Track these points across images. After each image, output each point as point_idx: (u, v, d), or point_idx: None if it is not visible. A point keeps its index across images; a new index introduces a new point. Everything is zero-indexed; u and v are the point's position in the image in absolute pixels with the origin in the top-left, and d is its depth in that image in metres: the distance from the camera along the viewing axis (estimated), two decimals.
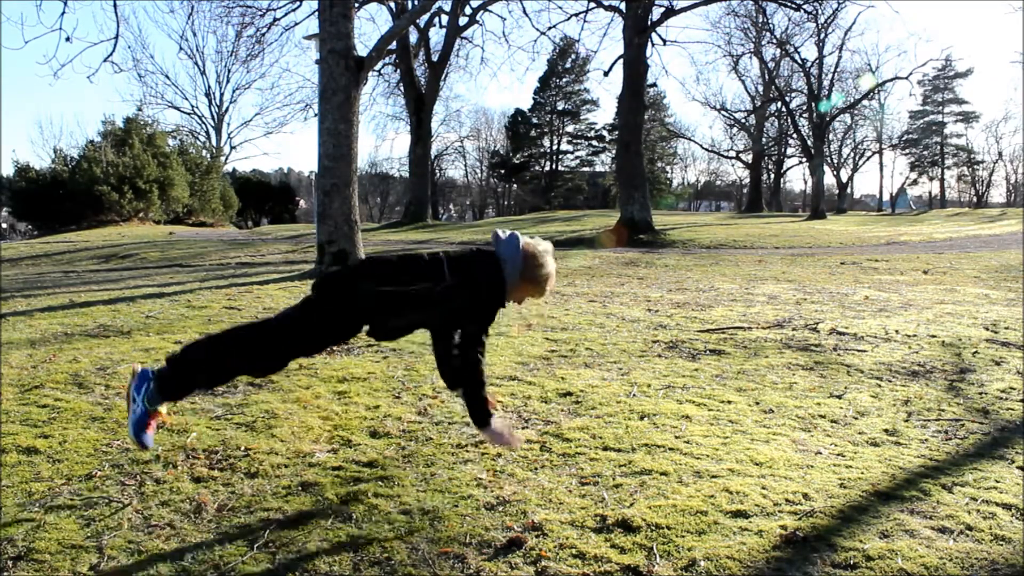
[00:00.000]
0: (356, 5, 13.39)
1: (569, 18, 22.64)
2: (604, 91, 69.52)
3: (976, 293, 8.37)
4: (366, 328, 2.89)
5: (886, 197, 51.57)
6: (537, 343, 5.54)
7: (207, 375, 2.86)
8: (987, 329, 6.02)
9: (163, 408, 2.84)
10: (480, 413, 2.89)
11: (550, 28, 24.47)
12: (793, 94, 37.33)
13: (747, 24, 32.38)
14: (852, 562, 2.36)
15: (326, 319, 2.82)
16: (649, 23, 19.04)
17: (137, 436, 2.75)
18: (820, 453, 3.33)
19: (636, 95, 19.00)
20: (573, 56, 49.99)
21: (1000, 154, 52.97)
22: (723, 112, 44.20)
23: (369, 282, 2.80)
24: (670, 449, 3.34)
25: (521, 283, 2.88)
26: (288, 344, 2.84)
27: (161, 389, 2.76)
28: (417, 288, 2.78)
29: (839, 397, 4.21)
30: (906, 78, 31.89)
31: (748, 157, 46.51)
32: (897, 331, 5.93)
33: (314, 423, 3.66)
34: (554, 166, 58.17)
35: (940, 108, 53.30)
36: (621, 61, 19.44)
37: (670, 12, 19.81)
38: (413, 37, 25.48)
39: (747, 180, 51.43)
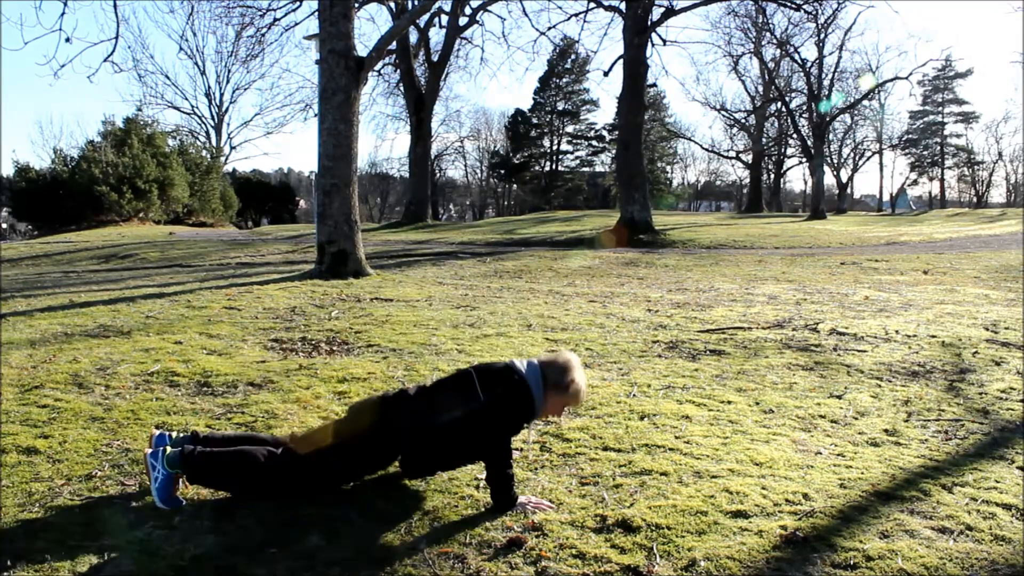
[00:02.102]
0: (356, 5, 13.39)
1: (569, 18, 22.65)
2: (604, 91, 69.62)
3: (976, 293, 8.37)
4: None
5: (886, 197, 51.57)
6: (537, 343, 5.54)
7: (225, 484, 2.89)
8: (987, 329, 6.02)
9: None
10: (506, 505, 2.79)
11: (550, 28, 24.53)
12: (793, 94, 37.36)
13: (747, 24, 32.39)
14: (852, 562, 2.36)
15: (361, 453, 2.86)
16: (649, 23, 19.03)
17: (166, 502, 2.73)
18: (820, 453, 3.33)
19: (636, 95, 18.99)
20: (573, 56, 50.01)
21: (1000, 154, 53.04)
22: (723, 112, 44.24)
23: (403, 414, 2.84)
24: (670, 449, 3.34)
25: (549, 395, 2.90)
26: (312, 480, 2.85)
27: (183, 461, 2.78)
28: (450, 417, 2.81)
29: (839, 397, 4.21)
30: (906, 78, 31.90)
31: (748, 157, 46.51)
32: (897, 331, 5.93)
33: (314, 423, 3.66)
34: (554, 166, 58.20)
35: (940, 108, 53.34)
36: (621, 61, 19.43)
37: (670, 12, 19.81)
38: (413, 37, 25.49)
39: (747, 180, 51.44)
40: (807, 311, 7.02)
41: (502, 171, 58.88)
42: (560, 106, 57.08)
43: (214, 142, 40.62)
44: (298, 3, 23.14)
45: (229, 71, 40.75)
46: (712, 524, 2.61)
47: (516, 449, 3.34)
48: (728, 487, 2.91)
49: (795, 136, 39.15)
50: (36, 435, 3.42)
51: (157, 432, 2.94)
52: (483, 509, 2.75)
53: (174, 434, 2.95)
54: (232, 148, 43.26)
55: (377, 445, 2.85)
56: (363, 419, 2.90)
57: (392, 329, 5.97)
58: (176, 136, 36.22)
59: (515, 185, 59.14)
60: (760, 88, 41.76)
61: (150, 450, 2.80)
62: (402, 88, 27.76)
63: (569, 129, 58.40)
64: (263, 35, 24.35)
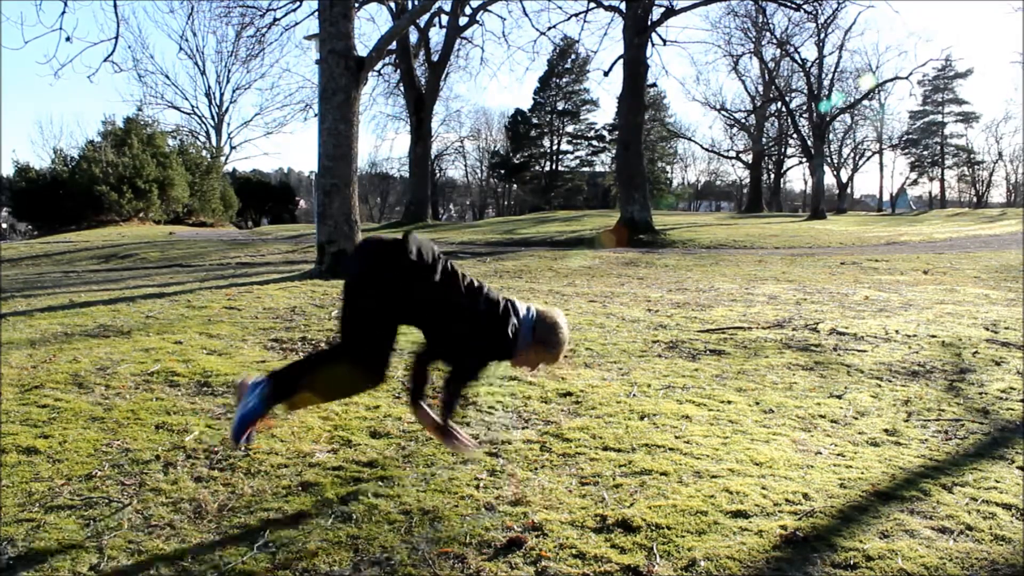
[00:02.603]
0: (356, 5, 13.38)
1: (569, 18, 22.70)
2: (604, 91, 69.70)
3: (976, 293, 8.37)
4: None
5: (886, 197, 51.61)
6: None
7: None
8: (987, 329, 6.02)
9: (277, 412, 2.88)
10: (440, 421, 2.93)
11: (550, 28, 24.57)
12: (793, 94, 37.38)
13: (747, 24, 32.43)
14: (852, 562, 2.36)
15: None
16: (649, 23, 19.04)
17: (236, 434, 2.76)
18: (820, 453, 3.33)
19: (636, 95, 19.00)
20: (573, 56, 50.06)
21: (1000, 154, 53.07)
22: (723, 112, 44.27)
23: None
24: (670, 449, 3.34)
25: (533, 346, 2.92)
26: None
27: (275, 390, 2.80)
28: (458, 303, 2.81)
29: (839, 397, 4.21)
30: (906, 78, 31.96)
31: (748, 157, 46.53)
32: (897, 331, 5.93)
33: (314, 423, 3.66)
34: (554, 166, 58.22)
35: (940, 108, 53.36)
36: (621, 61, 19.44)
37: (670, 12, 19.83)
38: (413, 37, 25.51)
39: (747, 180, 51.46)
40: (807, 311, 7.02)
41: (502, 171, 58.89)
42: (560, 106, 57.10)
43: (214, 142, 40.66)
44: (298, 3, 23.19)
45: (229, 71, 40.83)
46: (712, 524, 2.61)
47: (516, 448, 3.34)
48: (728, 487, 2.91)
49: (795, 136, 39.19)
50: (36, 435, 3.42)
51: (252, 378, 2.92)
52: (483, 509, 2.75)
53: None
54: (232, 148, 43.33)
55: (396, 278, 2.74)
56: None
57: None
58: (176, 136, 36.28)
59: (515, 185, 59.16)
60: (760, 88, 41.79)
61: (252, 379, 2.83)
62: (402, 88, 27.78)
63: (569, 129, 58.46)
64: (263, 35, 24.42)
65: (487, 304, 2.86)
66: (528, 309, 2.96)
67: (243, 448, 2.85)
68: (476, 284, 2.89)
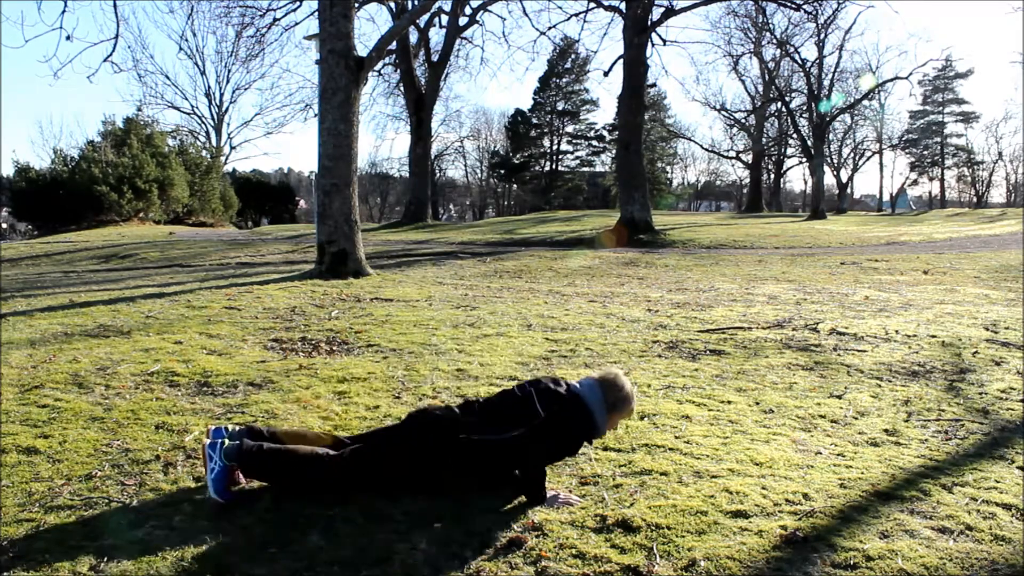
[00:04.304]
0: (356, 5, 13.37)
1: (569, 18, 22.66)
2: (604, 91, 69.71)
3: (976, 293, 8.37)
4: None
5: (886, 197, 51.54)
6: (537, 343, 5.54)
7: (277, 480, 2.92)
8: (987, 329, 6.02)
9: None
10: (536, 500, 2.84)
11: (550, 28, 24.51)
12: (793, 94, 37.35)
13: (747, 24, 32.40)
14: (852, 562, 2.36)
15: (414, 463, 2.86)
16: (649, 23, 19.03)
17: (220, 495, 2.75)
18: (820, 453, 3.33)
19: (636, 95, 18.99)
20: (573, 56, 50.01)
21: (1000, 154, 52.99)
22: (723, 112, 44.26)
23: (466, 430, 2.86)
24: (670, 449, 3.34)
25: (611, 417, 3.04)
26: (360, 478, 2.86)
27: (238, 455, 2.80)
28: (514, 436, 2.84)
29: (839, 397, 4.21)
30: (906, 78, 31.90)
31: (748, 157, 46.51)
32: (897, 331, 5.93)
33: (314, 423, 3.66)
34: (554, 166, 58.19)
35: (940, 108, 53.33)
36: (621, 61, 19.43)
37: (670, 12, 19.81)
38: (413, 37, 25.49)
39: (747, 180, 51.44)
40: (807, 311, 7.02)
41: (502, 171, 58.87)
42: (560, 106, 57.08)
43: (214, 142, 40.63)
44: (298, 3, 23.13)
45: (229, 71, 40.79)
46: (712, 524, 2.61)
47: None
48: (728, 487, 2.91)
49: (795, 136, 39.18)
50: (36, 435, 3.42)
51: (213, 426, 2.95)
52: (483, 509, 2.74)
53: (230, 427, 2.97)
54: (232, 148, 43.29)
55: (437, 453, 2.86)
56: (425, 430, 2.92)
57: (392, 329, 5.97)
58: (176, 136, 36.26)
59: (515, 185, 59.14)
60: (760, 88, 41.75)
61: (208, 441, 2.82)
62: (402, 88, 27.77)
63: (569, 129, 58.44)
64: (263, 35, 24.36)
65: (544, 402, 2.92)
66: (583, 384, 3.02)
67: (232, 496, 2.83)
68: (524, 393, 2.96)
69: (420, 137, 26.52)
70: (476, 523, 2.64)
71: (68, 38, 11.11)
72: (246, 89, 50.05)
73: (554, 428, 2.88)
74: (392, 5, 23.25)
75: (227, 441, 2.83)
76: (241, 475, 2.90)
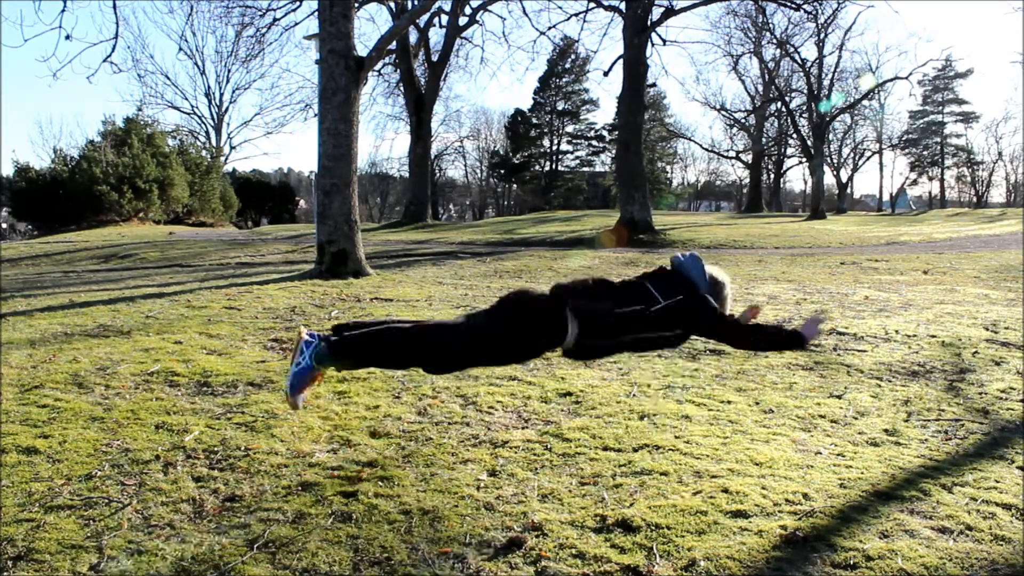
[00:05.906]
0: (356, 5, 13.39)
1: (569, 18, 22.71)
2: (604, 91, 69.66)
3: (976, 293, 8.37)
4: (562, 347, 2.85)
5: (886, 197, 51.54)
6: None
7: (383, 361, 2.89)
8: (987, 329, 6.02)
9: (329, 370, 2.82)
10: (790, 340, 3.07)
11: (550, 28, 24.57)
12: (793, 94, 37.33)
13: (747, 24, 32.38)
14: (852, 562, 2.36)
15: (529, 336, 2.80)
16: (649, 23, 19.04)
17: (292, 391, 2.73)
18: (820, 453, 3.33)
19: (636, 95, 19.00)
20: (573, 56, 50.02)
21: (1000, 154, 52.96)
22: (723, 112, 44.23)
23: (582, 301, 2.82)
24: (670, 449, 3.34)
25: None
26: (478, 353, 2.82)
27: (332, 351, 2.73)
28: (631, 310, 2.84)
29: (839, 397, 4.21)
30: (906, 78, 31.89)
31: (748, 157, 46.50)
32: (897, 331, 5.93)
33: (314, 423, 3.66)
34: (554, 166, 58.18)
35: (940, 108, 53.30)
36: (621, 61, 19.44)
37: (670, 12, 19.82)
38: (413, 37, 25.48)
39: (747, 180, 51.42)
40: (807, 311, 7.01)
41: (502, 171, 58.86)
42: (560, 106, 57.06)
43: (214, 142, 40.60)
44: (298, 3, 23.16)
45: (229, 71, 40.74)
46: (712, 524, 2.61)
47: (515, 448, 3.34)
48: (728, 487, 2.91)
49: (795, 136, 39.13)
50: (36, 435, 3.42)
51: (308, 332, 2.84)
52: (483, 509, 2.75)
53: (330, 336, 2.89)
54: (232, 148, 43.25)
55: (547, 325, 2.80)
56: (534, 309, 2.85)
57: None
58: (176, 136, 36.22)
59: (515, 185, 59.12)
60: (760, 88, 41.75)
61: (306, 337, 2.76)
62: (402, 88, 27.77)
63: (569, 129, 58.41)
64: (263, 35, 24.42)
65: (662, 289, 2.97)
66: (692, 256, 3.13)
67: (302, 405, 2.81)
68: (632, 282, 2.99)
69: (420, 137, 26.52)
70: (476, 523, 2.64)
71: (67, 37, 11.12)
72: (246, 89, 50.05)
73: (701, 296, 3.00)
74: (392, 5, 23.26)
75: (323, 343, 2.74)
76: (344, 365, 2.83)
